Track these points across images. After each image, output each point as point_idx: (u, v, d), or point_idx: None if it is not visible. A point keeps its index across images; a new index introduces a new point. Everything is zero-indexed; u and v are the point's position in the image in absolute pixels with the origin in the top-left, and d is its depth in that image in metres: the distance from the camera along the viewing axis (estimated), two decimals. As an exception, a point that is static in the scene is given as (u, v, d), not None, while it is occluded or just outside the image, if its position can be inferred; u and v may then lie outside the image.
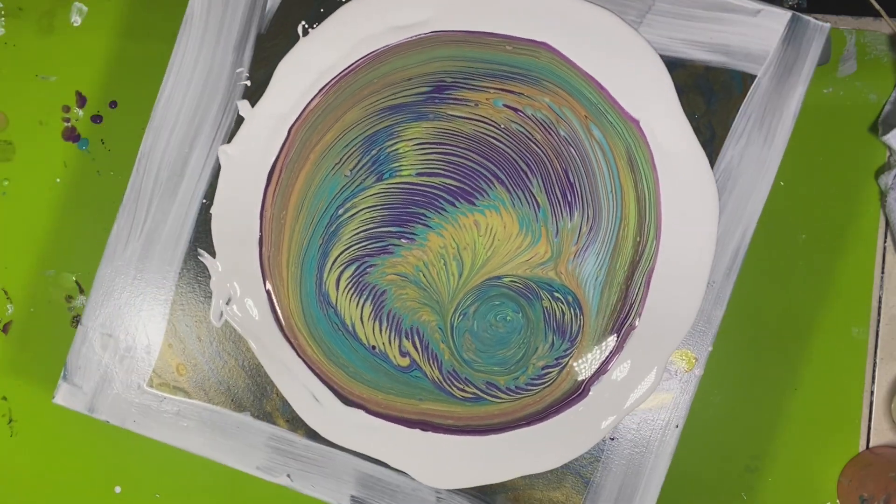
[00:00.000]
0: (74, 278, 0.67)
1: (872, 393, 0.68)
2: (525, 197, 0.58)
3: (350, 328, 0.59)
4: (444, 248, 0.59)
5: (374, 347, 0.59)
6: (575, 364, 0.59)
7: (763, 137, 0.58)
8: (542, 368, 0.59)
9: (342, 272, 0.59)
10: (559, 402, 0.59)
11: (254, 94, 0.59)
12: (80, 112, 0.67)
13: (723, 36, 0.57)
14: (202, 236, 0.59)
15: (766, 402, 0.67)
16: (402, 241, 0.59)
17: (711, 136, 0.59)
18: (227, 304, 0.59)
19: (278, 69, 0.58)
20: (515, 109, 0.58)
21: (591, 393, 0.59)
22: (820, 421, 0.68)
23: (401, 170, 0.59)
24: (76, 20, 0.67)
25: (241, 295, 0.59)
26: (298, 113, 0.58)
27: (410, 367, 0.59)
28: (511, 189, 0.58)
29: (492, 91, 0.58)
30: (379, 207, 0.59)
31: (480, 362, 0.59)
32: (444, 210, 0.59)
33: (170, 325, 0.59)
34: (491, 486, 0.59)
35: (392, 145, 0.59)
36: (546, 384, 0.59)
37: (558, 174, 0.58)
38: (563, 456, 0.59)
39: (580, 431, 0.59)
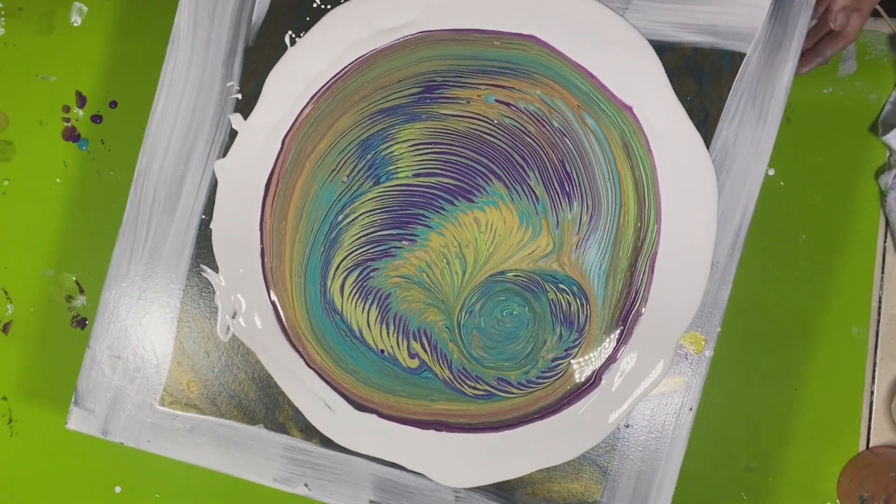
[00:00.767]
0: (74, 278, 0.67)
1: (872, 393, 0.68)
2: (523, 190, 0.58)
3: (357, 333, 0.59)
4: (445, 247, 0.59)
5: (382, 351, 0.59)
6: (584, 354, 0.59)
7: (756, 115, 0.58)
8: (552, 361, 0.59)
9: (346, 278, 0.59)
10: (571, 393, 0.59)
11: (246, 107, 0.59)
12: (80, 112, 0.67)
13: (709, 16, 0.57)
14: (204, 252, 0.59)
15: (766, 402, 0.68)
16: (404, 242, 0.59)
17: (705, 117, 0.59)
18: (233, 317, 0.58)
19: (268, 80, 0.58)
20: (507, 104, 0.58)
21: (602, 382, 0.59)
22: (820, 421, 0.68)
23: (397, 172, 0.59)
24: (76, 20, 0.67)
25: (247, 308, 0.59)
26: (291, 123, 0.58)
27: (420, 369, 0.59)
28: (509, 184, 0.58)
29: (483, 87, 0.58)
30: (378, 211, 0.59)
31: (490, 359, 0.59)
32: (444, 209, 0.59)
33: (177, 342, 0.59)
34: (509, 481, 0.59)
35: (387, 148, 0.59)
36: (557, 376, 0.59)
37: (555, 165, 0.58)
38: (579, 447, 0.58)
39: (594, 421, 0.59)
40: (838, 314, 0.68)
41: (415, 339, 0.59)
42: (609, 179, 0.58)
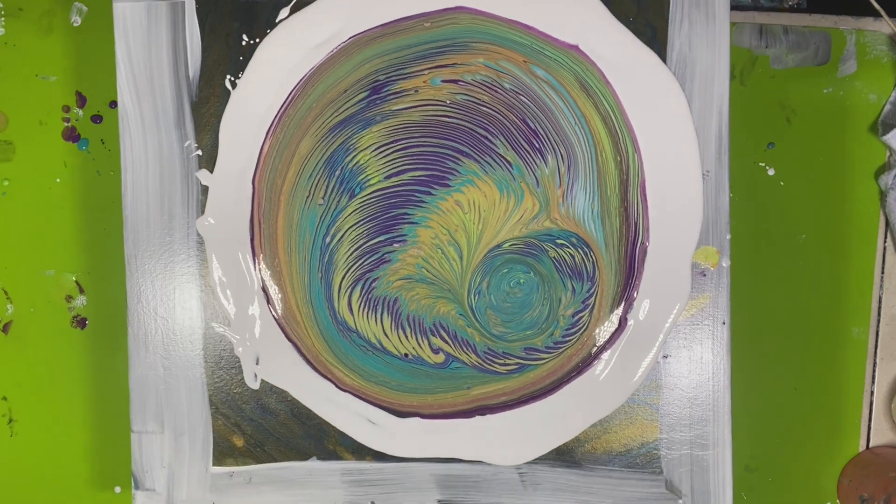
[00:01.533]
0: (74, 278, 0.67)
1: (872, 393, 0.67)
2: (494, 160, 0.58)
3: (378, 345, 0.59)
4: (436, 237, 0.58)
5: (406, 355, 0.59)
6: (603, 300, 0.58)
7: (703, 14, 0.57)
8: (573, 316, 0.58)
9: (350, 295, 0.59)
10: (601, 342, 0.58)
11: (209, 160, 0.59)
12: (80, 112, 0.68)
13: (626, -68, 0.56)
14: (211, 308, 0.60)
15: (766, 402, 0.67)
16: (395, 245, 0.59)
17: (653, 33, 0.57)
18: (256, 364, 0.59)
19: (222, 128, 0.59)
20: (455, 81, 0.58)
21: (629, 322, 0.58)
22: (820, 421, 0.67)
23: (368, 180, 0.58)
24: (76, 20, 0.68)
25: (267, 351, 0.59)
26: (255, 163, 0.59)
27: (447, 362, 0.59)
28: (478, 158, 0.58)
29: (426, 72, 0.58)
30: (362, 223, 0.59)
31: (512, 332, 0.59)
32: (423, 202, 0.58)
33: (212, 403, 0.60)
34: (566, 445, 0.58)
35: (352, 159, 0.58)
36: (582, 329, 0.58)
37: (518, 127, 0.58)
38: (624, 392, 0.58)
39: (632, 361, 0.58)
40: (838, 314, 0.67)
41: (434, 335, 0.59)
42: (576, 123, 0.57)
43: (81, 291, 0.68)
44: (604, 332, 0.58)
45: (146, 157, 0.60)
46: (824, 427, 0.68)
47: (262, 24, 0.58)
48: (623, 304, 0.58)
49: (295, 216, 0.59)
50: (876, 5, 0.63)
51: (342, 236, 0.59)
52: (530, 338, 0.58)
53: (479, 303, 0.59)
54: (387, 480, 0.59)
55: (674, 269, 0.57)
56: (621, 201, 0.57)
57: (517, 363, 0.59)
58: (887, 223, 0.66)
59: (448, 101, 0.58)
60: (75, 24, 0.67)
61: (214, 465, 0.60)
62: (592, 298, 0.58)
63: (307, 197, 0.59)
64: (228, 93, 0.59)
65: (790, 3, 0.70)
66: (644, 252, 0.57)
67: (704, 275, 0.58)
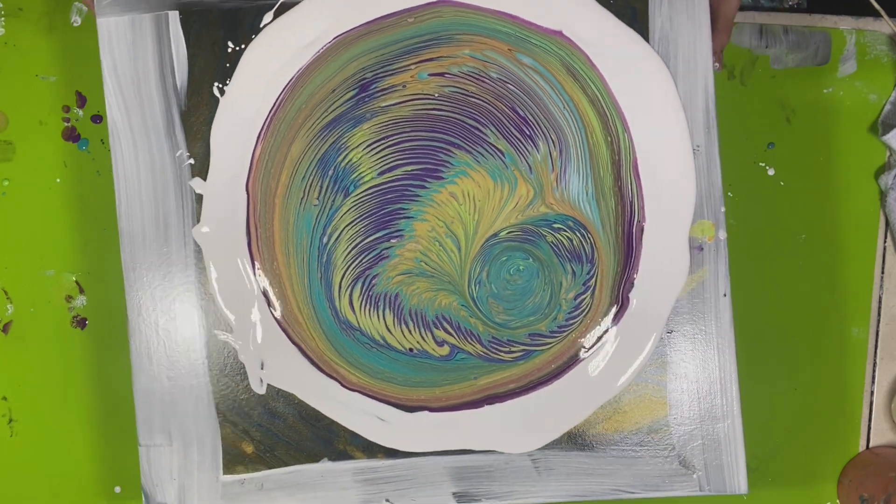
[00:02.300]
0: (74, 278, 0.67)
1: (872, 393, 0.68)
2: (486, 150, 0.58)
3: (382, 342, 0.59)
4: (432, 230, 0.58)
5: (411, 350, 0.59)
6: (604, 281, 0.58)
7: (683, -8, 0.57)
8: (575, 299, 0.58)
9: (351, 294, 0.59)
10: (605, 322, 0.58)
11: (202, 168, 0.59)
12: (80, 112, 0.68)
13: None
14: (213, 315, 0.59)
15: (766, 402, 0.67)
16: (392, 241, 0.59)
17: (634, 14, 0.58)
18: (262, 368, 0.59)
19: (212, 135, 0.59)
20: (441, 74, 0.58)
21: (632, 301, 0.58)
22: (820, 421, 0.68)
23: (362, 177, 0.59)
24: (76, 20, 0.68)
25: (271, 355, 0.59)
26: (248, 168, 0.59)
27: (452, 353, 0.59)
28: (470, 149, 0.58)
29: (413, 67, 0.58)
30: (358, 220, 0.59)
31: (515, 319, 0.59)
32: (418, 196, 0.58)
33: (219, 411, 0.59)
34: (577, 429, 0.58)
35: (344, 158, 0.59)
36: (585, 311, 0.58)
37: (507, 115, 0.58)
38: (631, 370, 0.58)
39: (637, 339, 0.58)
40: (838, 314, 0.68)
41: (437, 328, 0.59)
42: (564, 108, 0.58)
43: (81, 291, 0.67)
44: (607, 312, 0.58)
45: (138, 169, 0.60)
46: (824, 427, 0.68)
47: (247, 29, 0.58)
48: (624, 283, 0.58)
49: (291, 218, 0.59)
50: (876, 5, 0.64)
51: (339, 235, 0.59)
52: (534, 323, 0.59)
53: (480, 292, 0.59)
54: (400, 477, 0.59)
55: (671, 244, 0.58)
56: (615, 181, 0.58)
57: (523, 350, 0.59)
58: (887, 223, 0.67)
59: (436, 95, 0.58)
60: (75, 24, 0.67)
61: (225, 473, 0.60)
62: (593, 280, 0.58)
63: (302, 198, 0.59)
64: (217, 100, 0.59)
65: (790, 3, 0.71)
66: (641, 230, 0.58)
67: (702, 248, 0.58)
